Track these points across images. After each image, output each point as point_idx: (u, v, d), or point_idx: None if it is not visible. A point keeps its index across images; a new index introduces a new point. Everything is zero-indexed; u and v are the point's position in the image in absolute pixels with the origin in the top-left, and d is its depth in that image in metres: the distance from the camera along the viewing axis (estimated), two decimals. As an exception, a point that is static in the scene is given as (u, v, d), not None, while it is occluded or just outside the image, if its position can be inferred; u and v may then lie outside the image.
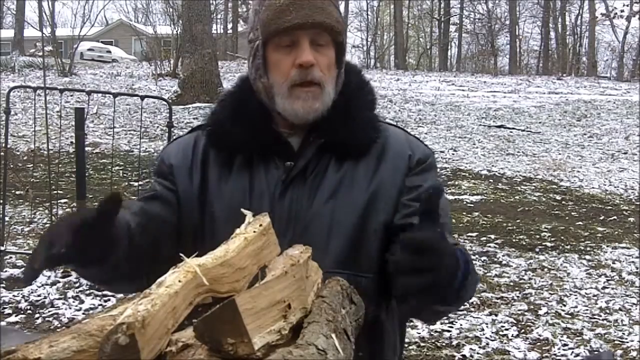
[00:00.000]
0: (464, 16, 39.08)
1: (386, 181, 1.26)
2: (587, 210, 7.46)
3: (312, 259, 1.03)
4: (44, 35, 14.52)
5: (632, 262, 5.42)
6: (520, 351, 3.70)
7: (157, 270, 0.86)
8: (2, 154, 4.98)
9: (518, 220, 6.76)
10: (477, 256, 5.46)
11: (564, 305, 4.40)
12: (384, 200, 1.25)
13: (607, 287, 4.80)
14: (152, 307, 0.73)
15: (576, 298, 4.55)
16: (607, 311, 4.31)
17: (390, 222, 1.24)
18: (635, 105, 16.06)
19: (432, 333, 3.91)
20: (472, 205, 7.31)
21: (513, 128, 13.39)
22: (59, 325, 3.91)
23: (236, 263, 0.93)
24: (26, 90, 11.78)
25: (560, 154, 11.15)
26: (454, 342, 3.80)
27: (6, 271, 4.66)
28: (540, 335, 3.89)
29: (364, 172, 1.26)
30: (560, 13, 36.60)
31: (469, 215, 6.82)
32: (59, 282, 4.51)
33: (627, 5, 26.94)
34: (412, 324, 4.00)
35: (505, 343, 3.80)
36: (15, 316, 4.03)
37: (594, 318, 4.20)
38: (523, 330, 3.98)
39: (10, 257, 4.93)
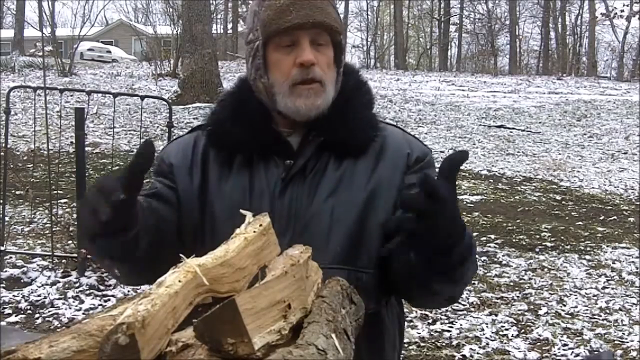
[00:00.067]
0: (464, 16, 39.10)
1: (385, 179, 1.27)
2: (587, 210, 7.46)
3: (312, 255, 1.03)
4: (44, 35, 14.52)
5: (632, 262, 5.42)
6: (520, 351, 3.70)
7: (157, 271, 0.86)
8: (2, 154, 4.98)
9: (518, 220, 6.77)
10: (477, 256, 5.46)
11: (564, 305, 4.40)
12: (383, 197, 1.25)
13: (607, 287, 4.80)
14: (152, 307, 0.73)
15: (576, 298, 4.55)
16: (607, 311, 4.31)
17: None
18: (635, 105, 16.06)
19: (432, 333, 3.91)
20: (472, 205, 7.31)
21: (513, 128, 13.39)
22: (59, 325, 3.91)
23: (236, 263, 0.93)
24: (26, 90, 11.78)
25: (560, 154, 11.16)
26: (454, 342, 3.80)
27: (6, 271, 4.66)
28: (540, 335, 3.89)
29: (363, 170, 1.27)
30: (560, 13, 36.61)
31: (469, 215, 6.82)
32: (59, 282, 4.51)
33: (627, 5, 26.95)
34: (412, 323, 4.00)
35: (505, 343, 3.80)
36: (15, 316, 4.03)
37: (594, 318, 4.20)
38: (523, 330, 3.98)
39: (10, 257, 4.93)
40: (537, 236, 6.16)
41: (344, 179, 1.26)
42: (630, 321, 4.14)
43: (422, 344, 3.77)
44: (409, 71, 28.79)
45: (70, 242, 4.95)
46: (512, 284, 4.84)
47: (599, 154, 11.35)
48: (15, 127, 10.19)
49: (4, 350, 0.71)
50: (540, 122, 14.28)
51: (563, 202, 7.79)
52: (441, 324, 4.05)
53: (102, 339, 0.71)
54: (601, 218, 7.06)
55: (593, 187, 8.75)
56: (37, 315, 4.06)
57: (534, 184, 8.75)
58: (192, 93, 12.80)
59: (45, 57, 11.42)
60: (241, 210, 1.04)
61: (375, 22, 44.37)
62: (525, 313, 4.24)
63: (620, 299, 4.54)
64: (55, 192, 5.57)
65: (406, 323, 4.13)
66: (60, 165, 6.31)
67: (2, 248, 4.80)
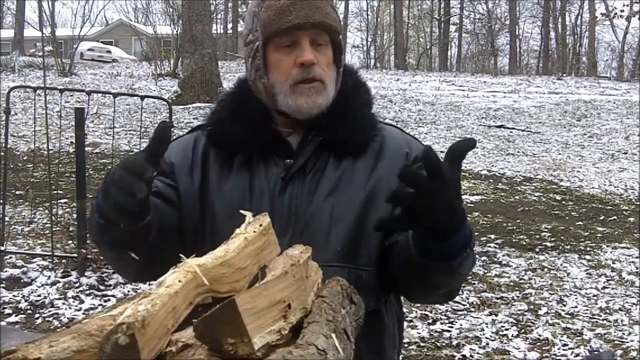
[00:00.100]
0: (464, 16, 39.11)
1: (384, 178, 1.27)
2: (587, 210, 7.46)
3: (313, 253, 1.03)
4: (44, 35, 14.52)
5: (632, 262, 5.42)
6: (520, 351, 3.70)
7: (157, 271, 0.86)
8: (2, 154, 4.98)
9: (518, 220, 6.77)
10: (477, 256, 5.46)
11: (564, 305, 4.40)
12: (383, 197, 1.25)
13: (607, 287, 4.80)
14: (152, 307, 0.73)
15: (576, 298, 4.55)
16: (607, 311, 4.31)
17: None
18: (635, 105, 16.06)
19: (432, 333, 3.91)
20: (472, 205, 7.32)
21: (513, 128, 13.40)
22: (59, 325, 3.91)
23: (236, 263, 0.93)
24: (26, 90, 11.78)
25: (560, 154, 11.16)
26: (454, 342, 3.80)
27: (6, 271, 4.66)
28: (540, 335, 3.89)
29: (362, 169, 1.28)
30: (560, 13, 36.61)
31: (469, 215, 6.82)
32: (59, 282, 4.51)
33: (627, 5, 26.90)
34: (412, 323, 4.00)
35: (505, 343, 3.80)
36: (15, 316, 4.03)
37: (594, 318, 4.20)
38: (523, 330, 3.98)
39: (10, 257, 4.93)
40: (537, 236, 6.17)
41: (343, 178, 1.27)
42: (630, 321, 4.14)
43: (422, 344, 3.77)
44: (409, 71, 28.79)
45: (70, 242, 4.95)
46: (512, 284, 4.84)
47: (599, 154, 11.35)
48: (15, 127, 10.19)
49: (4, 350, 0.71)
50: (540, 122, 14.28)
51: (563, 202, 7.79)
52: (441, 324, 4.05)
53: (102, 339, 0.71)
54: (601, 218, 7.06)
55: (593, 187, 8.75)
56: (37, 315, 4.06)
57: (534, 184, 8.75)
58: (192, 93, 12.80)
59: (45, 57, 11.42)
60: (241, 211, 1.04)
61: (375, 22, 44.40)
62: (525, 313, 4.24)
63: (620, 299, 4.54)
64: (55, 192, 5.58)
65: (406, 323, 4.12)
66: (60, 165, 6.31)
67: (2, 248, 4.80)
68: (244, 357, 0.75)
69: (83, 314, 4.01)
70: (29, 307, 4.16)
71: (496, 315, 4.19)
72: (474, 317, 4.14)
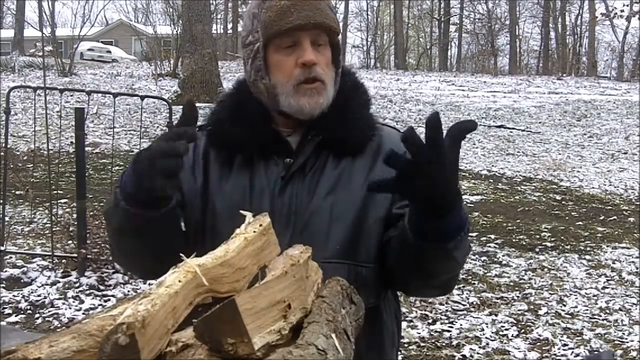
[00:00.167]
0: (464, 16, 39.10)
1: (382, 177, 1.27)
2: (587, 210, 7.46)
3: (313, 250, 1.03)
4: (44, 35, 14.53)
5: (632, 262, 5.42)
6: (520, 351, 3.70)
7: (158, 271, 0.86)
8: (2, 154, 4.98)
9: (518, 220, 6.77)
10: (477, 256, 5.46)
11: (564, 305, 4.40)
12: (382, 194, 1.27)
13: (607, 287, 4.80)
14: (152, 307, 0.73)
15: (576, 298, 4.55)
16: (607, 311, 4.31)
17: (388, 214, 1.28)
18: (635, 105, 16.06)
19: (432, 333, 3.91)
20: (472, 205, 7.31)
21: (513, 128, 13.40)
22: (59, 325, 3.91)
23: (236, 263, 0.93)
24: (26, 90, 11.78)
25: (560, 154, 11.16)
26: (454, 342, 3.80)
27: (6, 271, 4.66)
28: (540, 335, 3.89)
29: (361, 168, 1.29)
30: (560, 13, 36.61)
31: (469, 215, 6.81)
32: (59, 282, 4.51)
33: (627, 5, 26.90)
34: (412, 324, 4.00)
35: (505, 343, 3.80)
36: (15, 316, 4.03)
37: (594, 318, 4.20)
38: (523, 330, 3.98)
39: (10, 257, 4.93)
40: (537, 236, 6.16)
41: (342, 177, 1.28)
42: (630, 321, 4.14)
43: (422, 344, 3.77)
44: (409, 71, 28.79)
45: (70, 242, 4.95)
46: (512, 284, 4.84)
47: (599, 154, 11.36)
48: (15, 127, 10.19)
49: (4, 350, 0.71)
50: (540, 122, 14.28)
51: (563, 202, 7.79)
52: (441, 324, 4.05)
53: (102, 339, 0.71)
54: (601, 218, 7.06)
55: (593, 187, 8.75)
56: (37, 315, 4.06)
57: (534, 184, 8.75)
58: (192, 93, 12.78)
59: (45, 57, 11.43)
60: (241, 211, 1.04)
61: (375, 22, 44.39)
62: (525, 313, 4.24)
63: (620, 299, 4.54)
64: (55, 192, 5.57)
65: (406, 323, 4.13)
66: (60, 165, 6.31)
67: (2, 248, 4.80)
68: (244, 357, 0.75)
69: (83, 314, 4.01)
70: (29, 307, 4.16)
71: (496, 315, 4.19)
72: (474, 317, 4.14)
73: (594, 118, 14.98)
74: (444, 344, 3.78)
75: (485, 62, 38.28)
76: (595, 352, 3.68)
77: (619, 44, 30.50)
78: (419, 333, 3.89)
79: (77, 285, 4.45)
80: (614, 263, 5.40)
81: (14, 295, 4.29)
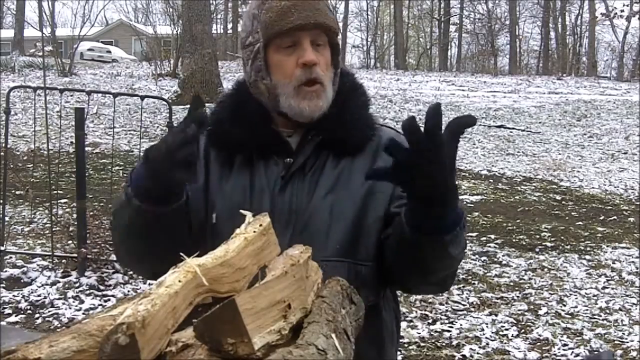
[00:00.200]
0: (464, 16, 39.09)
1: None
2: (587, 210, 7.46)
3: (313, 249, 1.03)
4: (44, 35, 14.53)
5: (632, 262, 5.42)
6: (520, 351, 3.70)
7: (166, 271, 0.87)
8: (2, 154, 4.98)
9: (518, 220, 6.77)
10: (477, 256, 5.46)
11: (564, 305, 4.40)
12: (381, 194, 1.29)
13: (607, 287, 4.80)
14: (152, 307, 0.73)
15: (576, 298, 4.55)
16: (607, 311, 4.31)
17: (387, 212, 1.29)
18: (635, 105, 16.06)
19: (432, 333, 3.91)
20: (472, 205, 7.31)
21: (513, 128, 13.39)
22: (59, 325, 3.91)
23: (236, 263, 0.93)
24: (26, 90, 11.78)
25: (560, 154, 11.16)
26: (454, 342, 3.80)
27: (6, 271, 4.66)
28: (540, 335, 3.89)
29: (360, 168, 1.30)
30: (560, 13, 36.60)
31: (469, 215, 6.82)
32: (59, 282, 4.51)
33: (627, 5, 26.91)
34: (412, 324, 4.00)
35: (505, 343, 3.80)
36: (15, 316, 4.03)
37: (594, 318, 4.20)
38: (523, 330, 3.98)
39: (10, 257, 4.93)
40: (537, 236, 6.16)
41: (342, 176, 1.29)
42: (630, 321, 4.14)
43: (422, 344, 3.77)
44: (409, 71, 28.78)
45: (70, 242, 4.95)
46: (512, 284, 4.84)
47: (599, 154, 11.35)
48: (15, 127, 10.19)
49: (4, 350, 0.71)
50: (540, 122, 14.28)
51: (563, 202, 7.79)
52: (441, 324, 4.05)
53: (102, 339, 0.71)
54: (601, 218, 7.06)
55: (593, 187, 8.75)
56: (37, 315, 4.06)
57: (534, 184, 8.75)
58: (192, 93, 12.77)
59: (45, 57, 11.44)
60: (241, 211, 1.04)
61: (375, 22, 44.39)
62: (525, 313, 4.24)
63: (620, 299, 4.54)
64: (55, 192, 5.57)
65: (406, 323, 4.12)
66: (60, 165, 6.30)
67: (2, 248, 4.79)
68: (244, 357, 0.75)
69: (83, 314, 4.01)
70: (29, 307, 4.16)
71: (496, 315, 4.19)
72: (474, 317, 4.14)
73: (594, 118, 14.98)
74: (444, 344, 3.78)
75: (485, 62, 38.27)
76: (595, 352, 3.68)
77: (619, 44, 30.50)
78: (419, 333, 3.89)
79: (77, 285, 4.45)
80: (614, 263, 5.40)
81: (14, 295, 4.29)
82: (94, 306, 4.16)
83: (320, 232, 1.24)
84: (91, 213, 4.84)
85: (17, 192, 6.40)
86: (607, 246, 5.90)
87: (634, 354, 3.70)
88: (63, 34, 26.35)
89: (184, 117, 1.10)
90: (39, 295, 4.30)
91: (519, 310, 4.29)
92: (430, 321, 4.08)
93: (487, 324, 4.04)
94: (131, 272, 4.59)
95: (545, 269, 5.20)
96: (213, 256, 0.90)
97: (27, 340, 0.74)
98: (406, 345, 3.72)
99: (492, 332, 3.93)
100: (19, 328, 3.87)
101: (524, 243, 5.93)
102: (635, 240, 6.09)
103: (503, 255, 5.52)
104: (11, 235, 5.29)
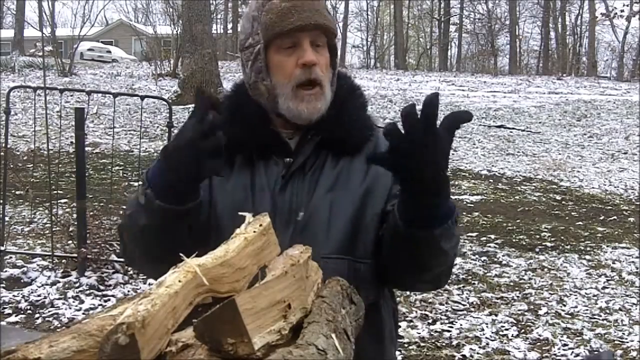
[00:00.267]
0: (464, 16, 39.08)
1: (380, 176, 1.30)
2: (587, 210, 7.46)
3: (313, 246, 1.04)
4: (44, 35, 14.52)
5: (632, 262, 5.42)
6: (520, 351, 3.70)
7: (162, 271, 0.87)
8: (2, 154, 4.98)
9: (518, 220, 6.77)
10: (477, 256, 5.46)
11: (564, 305, 4.40)
12: (379, 193, 1.30)
13: (607, 287, 4.80)
14: (152, 307, 0.73)
15: (576, 298, 4.55)
16: (607, 311, 4.31)
17: (384, 210, 1.30)
18: (635, 105, 16.06)
19: (432, 333, 3.91)
20: (472, 205, 7.31)
21: (513, 128, 13.39)
22: (59, 325, 3.91)
23: (236, 263, 0.93)
24: (26, 90, 11.78)
25: (560, 154, 11.16)
26: (454, 342, 3.80)
27: (6, 271, 4.66)
28: (540, 335, 3.89)
29: (359, 167, 1.32)
30: (560, 13, 36.60)
31: (469, 215, 6.82)
32: (59, 282, 4.51)
33: (627, 5, 26.90)
34: (412, 324, 4.00)
35: (505, 343, 3.80)
36: (15, 316, 4.03)
37: (594, 318, 4.20)
38: (523, 330, 3.98)
39: (10, 257, 4.93)
40: (537, 236, 6.16)
41: (341, 176, 1.31)
42: (630, 321, 4.14)
43: (422, 344, 3.76)
44: (409, 71, 28.79)
45: (70, 242, 4.95)
46: (512, 284, 4.84)
47: (599, 154, 11.35)
48: (15, 127, 10.19)
49: (4, 350, 0.71)
50: (540, 122, 14.28)
51: (563, 202, 7.78)
52: (441, 324, 4.05)
53: (102, 339, 0.71)
54: (601, 218, 7.06)
55: (593, 187, 8.74)
56: (37, 315, 4.06)
57: (534, 184, 8.75)
58: (192, 93, 12.77)
59: (45, 57, 11.43)
60: (240, 212, 1.05)
61: (375, 22, 44.39)
62: (525, 313, 4.24)
63: (620, 299, 4.54)
64: (55, 192, 5.57)
65: (406, 323, 4.12)
66: (60, 165, 6.31)
67: (2, 248, 4.79)
68: (244, 357, 0.75)
69: (83, 314, 4.01)
70: (29, 307, 4.16)
71: (496, 315, 4.19)
72: (474, 317, 4.14)
73: (594, 118, 14.98)
74: (444, 344, 3.78)
75: (485, 62, 38.27)
76: (595, 352, 3.68)
77: (619, 44, 30.50)
78: (419, 333, 3.89)
79: (77, 285, 4.45)
80: (614, 263, 5.40)
81: (14, 295, 4.29)
82: (94, 306, 4.16)
83: (321, 230, 1.26)
84: (91, 213, 4.84)
85: (17, 192, 6.40)
86: (607, 246, 5.90)
87: (634, 354, 3.70)
88: (63, 34, 26.36)
89: (193, 108, 1.10)
90: (39, 295, 4.30)
91: (519, 310, 4.29)
92: (430, 321, 4.08)
93: (487, 324, 4.04)
94: (131, 272, 4.60)
95: (545, 269, 5.20)
96: (213, 256, 0.90)
97: (27, 340, 0.74)
98: (406, 345, 3.72)
99: (492, 332, 3.93)
100: (19, 328, 3.87)
101: (524, 243, 5.93)
102: (635, 240, 6.08)
103: (503, 255, 5.52)
104: (11, 235, 5.29)
